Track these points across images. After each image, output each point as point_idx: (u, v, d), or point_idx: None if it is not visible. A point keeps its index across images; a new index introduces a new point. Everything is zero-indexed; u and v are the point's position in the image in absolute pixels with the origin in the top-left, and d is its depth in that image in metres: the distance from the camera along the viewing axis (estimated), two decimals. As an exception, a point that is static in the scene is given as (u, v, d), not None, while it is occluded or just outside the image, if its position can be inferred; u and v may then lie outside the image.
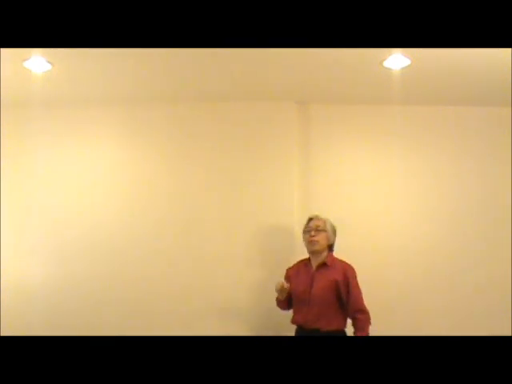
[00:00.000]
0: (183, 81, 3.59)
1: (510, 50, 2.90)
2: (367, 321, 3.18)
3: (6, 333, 3.59)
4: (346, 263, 3.27)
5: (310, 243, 3.30)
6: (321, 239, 3.28)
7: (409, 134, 3.97)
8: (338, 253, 3.84)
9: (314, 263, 3.29)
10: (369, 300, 3.77)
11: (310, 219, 3.37)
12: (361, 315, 3.16)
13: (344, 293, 3.17)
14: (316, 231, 3.29)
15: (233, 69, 3.38)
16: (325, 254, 3.30)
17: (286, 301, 3.32)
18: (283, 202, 3.82)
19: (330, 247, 3.35)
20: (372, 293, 3.78)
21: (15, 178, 3.92)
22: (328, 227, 3.32)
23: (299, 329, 3.24)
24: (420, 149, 3.97)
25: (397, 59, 3.15)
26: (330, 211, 3.86)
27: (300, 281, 3.27)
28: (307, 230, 3.34)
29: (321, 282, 3.19)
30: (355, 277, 3.22)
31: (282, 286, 3.21)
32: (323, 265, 3.26)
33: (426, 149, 3.97)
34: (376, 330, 3.65)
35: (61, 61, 3.18)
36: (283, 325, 3.44)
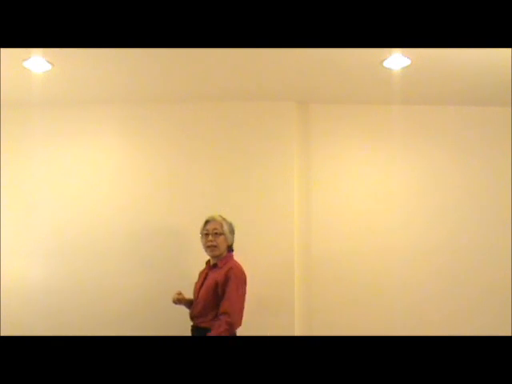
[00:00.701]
0: (183, 81, 3.59)
1: (509, 49, 2.91)
2: (224, 324, 2.96)
3: (5, 333, 3.59)
4: (234, 266, 3.14)
5: (208, 248, 3.21)
6: (220, 243, 3.19)
7: (409, 133, 3.97)
8: (337, 252, 3.85)
9: (212, 262, 3.27)
10: (368, 299, 3.79)
11: (207, 221, 3.26)
12: (223, 316, 2.98)
13: (221, 294, 3.06)
14: (214, 235, 3.20)
15: (233, 69, 3.38)
16: (223, 255, 3.22)
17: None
18: (283, 201, 3.82)
19: (229, 247, 3.26)
20: (372, 292, 3.81)
21: (15, 178, 3.92)
22: (225, 229, 3.22)
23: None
24: (420, 149, 3.97)
25: (397, 59, 3.15)
26: (329, 211, 3.88)
27: (199, 279, 3.29)
28: (205, 234, 3.24)
29: (207, 283, 3.16)
30: (235, 279, 3.07)
31: (175, 300, 3.22)
32: (215, 265, 3.21)
33: (425, 149, 3.97)
34: (377, 329, 3.66)
35: (61, 61, 3.18)
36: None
